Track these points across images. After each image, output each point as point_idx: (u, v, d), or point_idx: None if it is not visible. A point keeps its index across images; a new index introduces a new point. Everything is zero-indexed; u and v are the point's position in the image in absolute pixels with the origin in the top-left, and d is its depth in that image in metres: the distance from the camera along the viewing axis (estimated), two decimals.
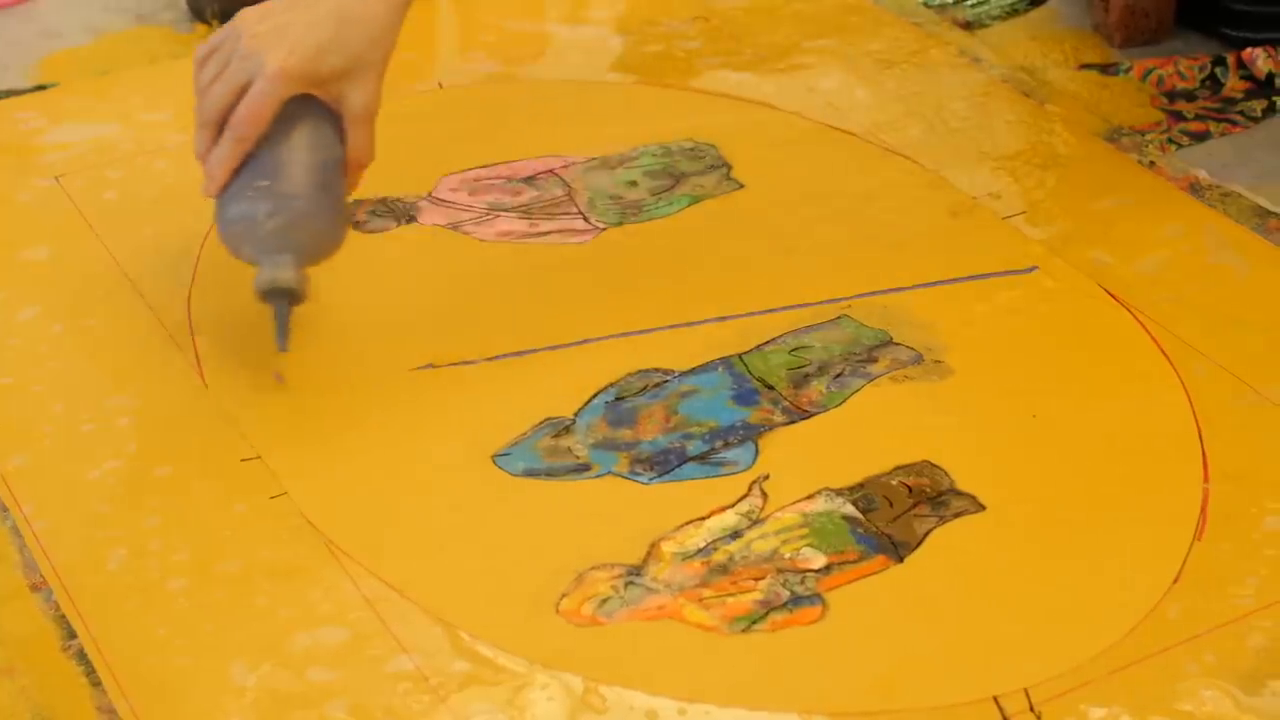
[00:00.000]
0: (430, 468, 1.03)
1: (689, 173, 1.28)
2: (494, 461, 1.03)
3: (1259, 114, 1.36)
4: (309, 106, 1.06)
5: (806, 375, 1.09)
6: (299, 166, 1.05)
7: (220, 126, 1.05)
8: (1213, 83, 1.39)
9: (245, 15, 1.06)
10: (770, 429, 1.05)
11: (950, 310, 1.14)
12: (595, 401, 1.07)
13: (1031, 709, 0.88)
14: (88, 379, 1.09)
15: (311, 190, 1.05)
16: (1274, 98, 1.37)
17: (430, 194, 1.26)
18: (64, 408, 1.07)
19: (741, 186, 1.27)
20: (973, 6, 1.50)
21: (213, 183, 1.06)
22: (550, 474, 1.02)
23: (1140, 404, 1.07)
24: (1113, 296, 1.16)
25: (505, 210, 1.24)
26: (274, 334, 1.06)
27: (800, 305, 1.14)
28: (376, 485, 1.02)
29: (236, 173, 1.05)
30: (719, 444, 1.04)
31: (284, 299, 1.06)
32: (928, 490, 1.00)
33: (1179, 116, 1.35)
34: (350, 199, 1.10)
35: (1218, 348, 1.10)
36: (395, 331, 1.12)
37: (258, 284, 1.05)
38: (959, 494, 1.00)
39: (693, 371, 1.09)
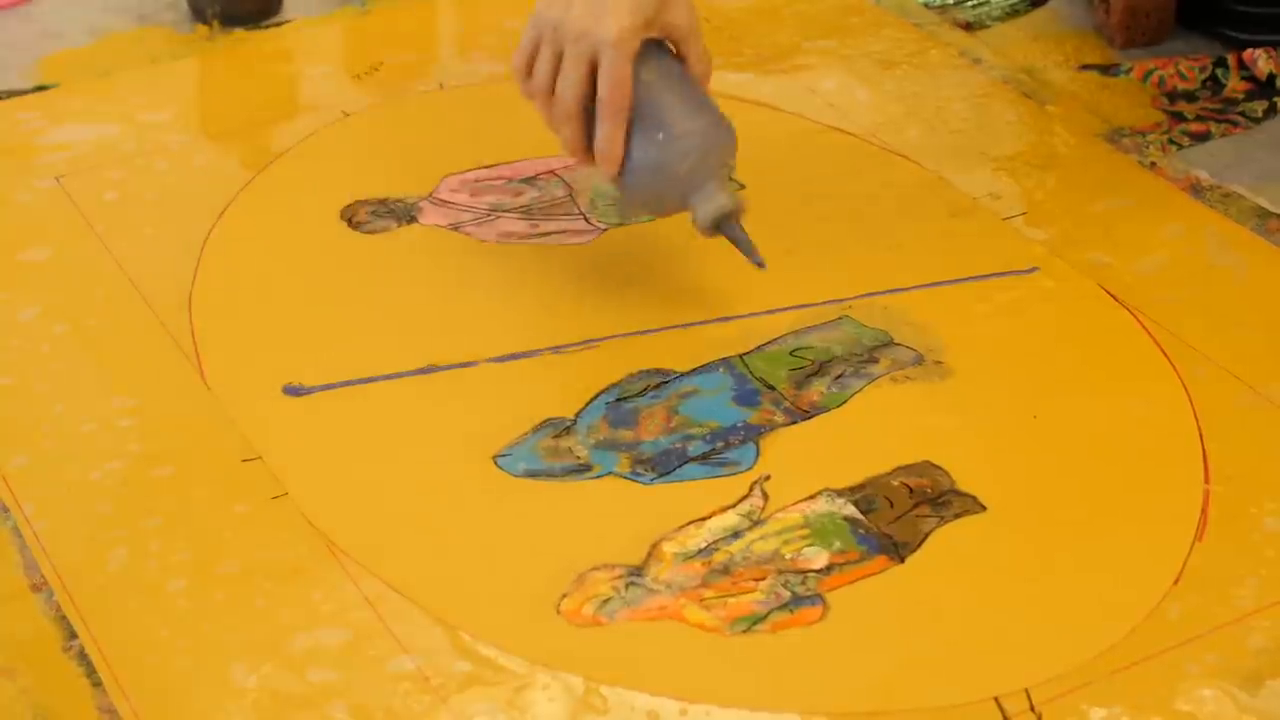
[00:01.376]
0: (431, 468, 1.03)
1: None
2: (495, 462, 1.03)
3: (1260, 115, 1.36)
4: (644, 49, 1.08)
5: (807, 376, 1.09)
6: (676, 105, 1.09)
7: (583, 115, 1.08)
8: (1213, 83, 1.39)
9: (542, 11, 1.08)
10: (771, 429, 1.05)
11: (951, 311, 1.14)
12: (596, 402, 1.07)
13: (1032, 709, 0.88)
14: (88, 379, 1.09)
15: (697, 119, 1.09)
16: (1275, 99, 1.37)
17: (431, 195, 1.26)
18: (65, 408, 1.07)
19: (742, 187, 1.26)
20: (973, 7, 1.50)
21: (612, 163, 1.08)
22: (551, 474, 1.02)
23: (1141, 405, 1.07)
24: (1113, 297, 1.16)
25: (506, 211, 1.24)
26: (746, 256, 1.10)
27: (801, 306, 1.14)
28: (377, 486, 1.02)
29: (643, 123, 1.08)
30: (720, 444, 1.04)
31: (732, 221, 1.10)
32: (928, 491, 1.00)
33: (1180, 117, 1.35)
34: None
35: (1218, 348, 1.11)
36: (396, 332, 1.12)
37: (702, 224, 1.10)
38: (960, 494, 1.00)
39: (694, 372, 1.09)
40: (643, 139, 1.08)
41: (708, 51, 1.11)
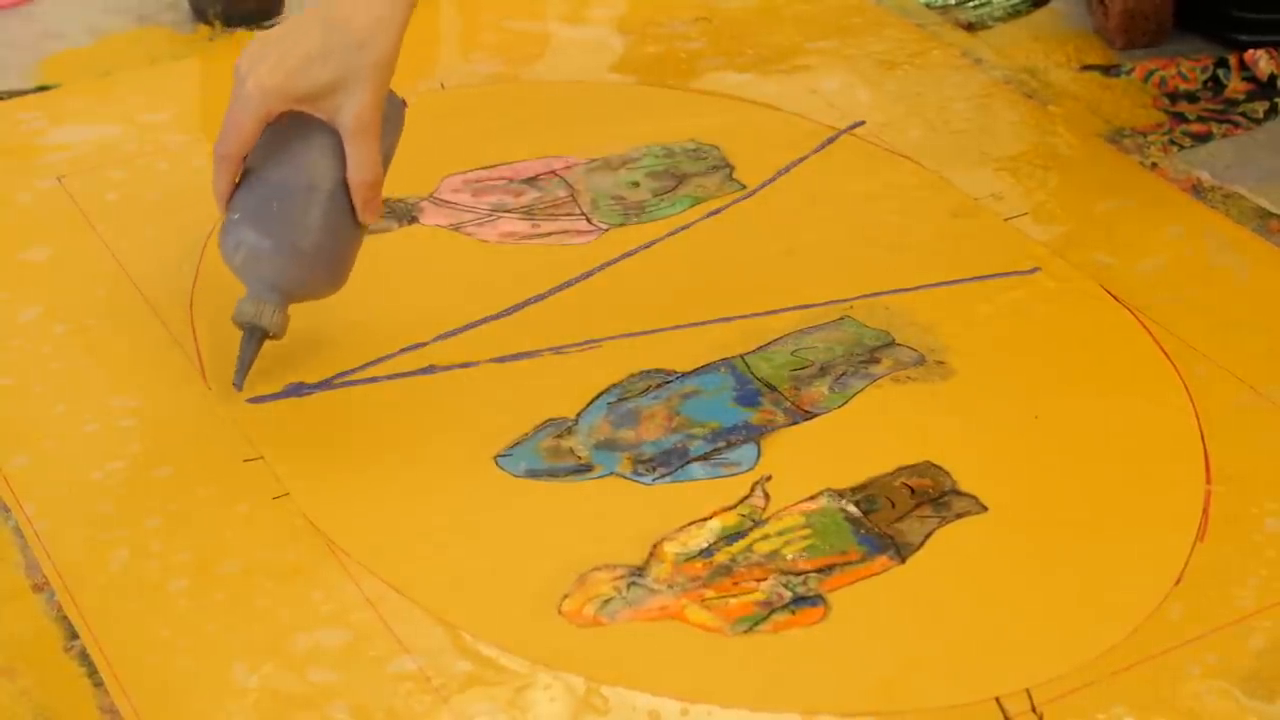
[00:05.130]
0: (432, 468, 1.03)
1: (691, 173, 1.28)
2: (496, 462, 1.03)
3: (1261, 116, 1.36)
4: (309, 129, 1.03)
5: (809, 376, 1.09)
6: (264, 205, 1.03)
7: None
8: (1214, 84, 1.39)
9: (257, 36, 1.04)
10: (772, 430, 1.05)
11: (952, 311, 1.14)
12: (597, 402, 1.07)
13: (1033, 710, 0.88)
14: (89, 380, 1.09)
15: (261, 233, 1.02)
16: (1276, 99, 1.37)
17: (432, 195, 1.26)
18: (66, 408, 1.07)
19: (744, 187, 1.27)
20: (975, 8, 1.50)
21: (215, 196, 1.04)
22: (552, 475, 1.02)
23: (1142, 405, 1.07)
24: (1115, 298, 1.16)
25: (507, 211, 1.24)
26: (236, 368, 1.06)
27: (802, 306, 1.14)
28: (378, 486, 1.02)
29: (237, 193, 1.03)
30: (721, 445, 1.04)
31: (248, 336, 1.05)
32: (930, 491, 1.00)
33: (1181, 118, 1.35)
34: (370, 222, 1.06)
35: (1219, 349, 1.11)
36: (397, 332, 1.12)
37: (233, 312, 1.05)
38: (961, 495, 1.00)
39: (695, 372, 1.09)
40: (232, 204, 1.03)
41: (373, 164, 1.03)
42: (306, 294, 1.06)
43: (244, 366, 1.06)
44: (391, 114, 1.06)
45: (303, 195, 1.03)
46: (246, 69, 1.02)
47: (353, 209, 1.04)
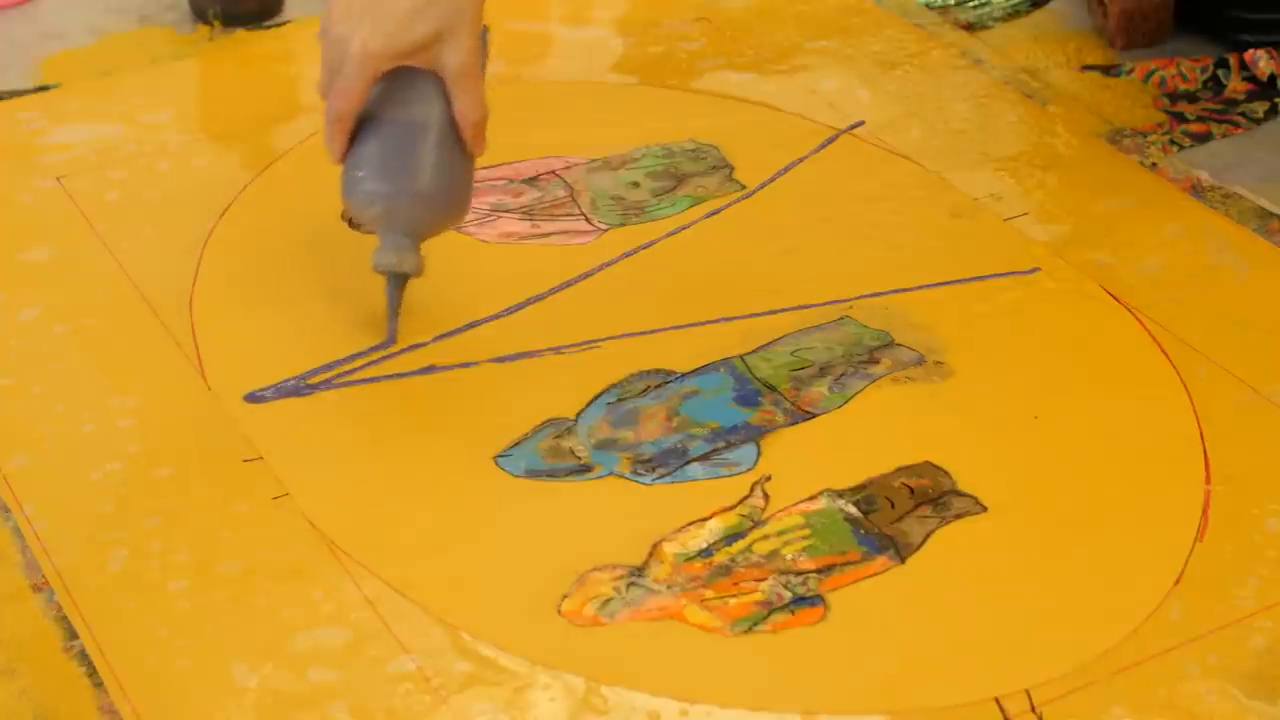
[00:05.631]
0: (432, 468, 1.03)
1: (691, 173, 1.28)
2: (495, 462, 1.03)
3: (1261, 115, 1.36)
4: (410, 80, 1.07)
5: (808, 376, 1.09)
6: (386, 156, 1.07)
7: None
8: (1214, 84, 1.39)
9: (332, 11, 1.06)
10: (772, 430, 1.05)
11: (952, 311, 1.14)
12: (597, 402, 1.07)
13: (1033, 710, 0.88)
14: (89, 380, 1.09)
15: (390, 181, 1.07)
16: (1276, 99, 1.37)
17: None
18: (65, 408, 1.07)
19: (744, 187, 1.27)
20: (974, 8, 1.50)
21: (332, 157, 1.08)
22: (552, 475, 1.02)
23: (1142, 405, 1.07)
24: (1114, 298, 1.16)
25: (507, 211, 1.24)
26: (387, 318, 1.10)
27: (802, 306, 1.14)
28: (378, 486, 1.02)
29: (351, 148, 1.08)
30: (721, 445, 1.04)
31: (393, 283, 1.10)
32: (929, 491, 1.00)
33: (1181, 118, 1.35)
34: (480, 153, 1.10)
35: (1219, 349, 1.11)
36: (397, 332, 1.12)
37: (373, 265, 1.09)
38: (960, 495, 1.00)
39: (695, 373, 1.09)
40: (353, 161, 1.08)
41: (481, 103, 1.08)
42: (437, 231, 1.11)
43: (394, 313, 1.10)
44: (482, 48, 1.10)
45: (420, 142, 1.08)
46: (346, 33, 1.05)
47: (462, 145, 1.09)
